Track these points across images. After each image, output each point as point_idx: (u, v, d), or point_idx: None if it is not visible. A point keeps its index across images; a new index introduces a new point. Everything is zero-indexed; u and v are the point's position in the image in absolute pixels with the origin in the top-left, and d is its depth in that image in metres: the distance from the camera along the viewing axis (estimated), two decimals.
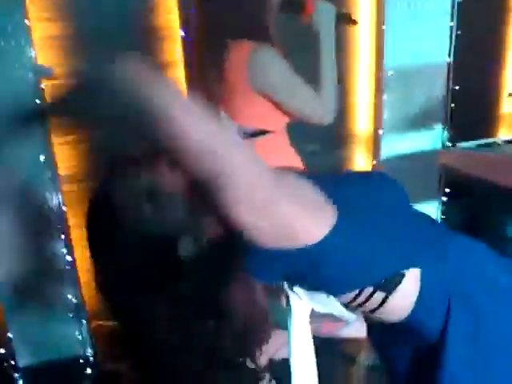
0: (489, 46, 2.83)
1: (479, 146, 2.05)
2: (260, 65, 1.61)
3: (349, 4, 2.59)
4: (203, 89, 1.72)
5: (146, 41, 2.32)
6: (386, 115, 2.73)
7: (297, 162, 1.81)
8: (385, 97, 2.69)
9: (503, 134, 2.94)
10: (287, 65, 1.63)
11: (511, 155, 1.84)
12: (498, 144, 2.03)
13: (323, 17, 1.67)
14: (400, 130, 2.78)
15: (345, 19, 1.76)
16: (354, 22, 1.80)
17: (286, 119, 1.74)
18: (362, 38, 2.65)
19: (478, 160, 2.00)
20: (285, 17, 1.72)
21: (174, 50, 2.34)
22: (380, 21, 2.58)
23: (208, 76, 1.69)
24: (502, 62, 2.58)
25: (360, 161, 2.90)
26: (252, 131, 1.70)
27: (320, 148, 2.73)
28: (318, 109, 1.66)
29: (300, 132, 2.57)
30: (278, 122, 1.74)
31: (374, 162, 2.87)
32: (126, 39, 2.18)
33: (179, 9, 2.29)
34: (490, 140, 2.09)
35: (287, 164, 1.69)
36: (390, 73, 2.65)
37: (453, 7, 2.63)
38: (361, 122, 2.82)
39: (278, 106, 1.68)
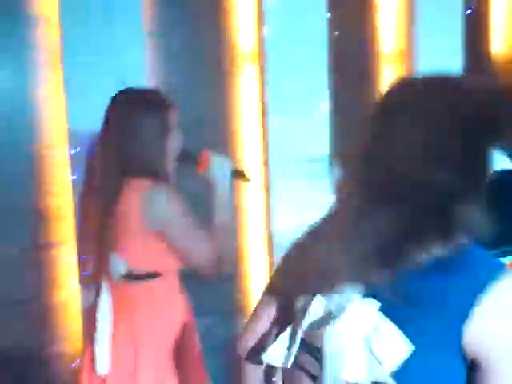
0: None
1: None
2: (154, 204, 1.61)
3: None
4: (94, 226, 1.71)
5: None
6: None
7: (183, 310, 1.76)
8: (276, 262, 2.82)
9: None
10: (182, 206, 1.63)
11: None
12: None
13: (218, 172, 1.71)
14: None
15: (240, 176, 1.82)
16: (248, 179, 1.87)
17: (179, 264, 1.70)
18: (251, 204, 2.87)
19: None
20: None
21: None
22: (268, 191, 2.86)
23: (101, 214, 1.68)
24: None
25: None
26: (142, 272, 1.66)
27: (218, 318, 2.80)
28: (212, 258, 1.64)
29: (195, 303, 2.72)
30: (169, 266, 1.70)
31: None
32: None
33: None
34: None
35: (173, 310, 1.70)
36: (279, 239, 2.83)
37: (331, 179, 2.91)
38: (255, 288, 2.90)
39: (169, 248, 1.64)
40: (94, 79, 2.27)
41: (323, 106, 2.88)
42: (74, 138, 2.25)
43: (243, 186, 2.75)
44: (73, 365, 2.29)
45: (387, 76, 3.22)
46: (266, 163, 2.81)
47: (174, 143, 1.71)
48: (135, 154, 1.65)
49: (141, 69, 2.41)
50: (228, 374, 2.33)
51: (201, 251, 1.65)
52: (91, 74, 2.26)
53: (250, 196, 2.85)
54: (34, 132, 2.23)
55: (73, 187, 2.26)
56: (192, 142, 2.48)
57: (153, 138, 1.66)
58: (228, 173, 1.73)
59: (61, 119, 2.27)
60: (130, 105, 1.70)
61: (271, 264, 2.84)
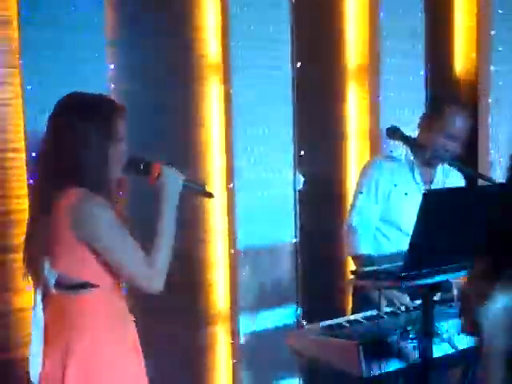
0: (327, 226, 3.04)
1: (325, 327, 2.09)
2: (80, 216, 1.57)
3: None
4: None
5: None
6: (240, 294, 2.81)
7: (124, 324, 1.73)
8: (239, 276, 2.81)
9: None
10: (111, 218, 1.59)
11: (348, 341, 1.87)
12: (343, 325, 2.07)
13: (168, 184, 1.69)
14: (255, 308, 2.82)
15: (200, 191, 1.81)
16: (210, 195, 1.84)
17: (116, 276, 1.66)
18: (216, 219, 2.90)
19: (319, 344, 2.03)
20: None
21: None
22: (231, 205, 2.87)
23: (34, 222, 1.67)
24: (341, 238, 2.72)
25: (220, 340, 2.87)
26: (75, 283, 1.62)
27: (180, 328, 2.77)
28: (146, 271, 1.61)
29: (154, 316, 2.69)
30: (104, 278, 1.65)
31: (232, 341, 2.83)
32: None
33: None
34: (335, 321, 2.13)
35: (111, 323, 1.65)
36: (241, 254, 2.82)
37: (294, 193, 2.94)
38: (219, 301, 2.88)
39: (101, 259, 1.61)
40: (54, 83, 2.24)
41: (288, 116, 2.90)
42: (32, 141, 2.22)
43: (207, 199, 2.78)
44: None
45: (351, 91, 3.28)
46: (231, 173, 2.81)
47: (118, 153, 1.66)
48: (71, 163, 1.61)
49: (102, 76, 2.40)
50: (190, 381, 2.32)
51: (133, 265, 1.61)
52: (51, 76, 2.23)
53: (214, 208, 2.86)
54: None
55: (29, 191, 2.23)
56: (153, 153, 2.50)
57: (91, 146, 1.60)
58: (178, 186, 1.70)
59: (18, 121, 2.25)
60: (69, 110, 1.65)
61: (233, 274, 2.82)
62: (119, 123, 1.66)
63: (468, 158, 3.58)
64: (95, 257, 1.61)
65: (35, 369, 1.66)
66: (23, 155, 2.24)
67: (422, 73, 3.34)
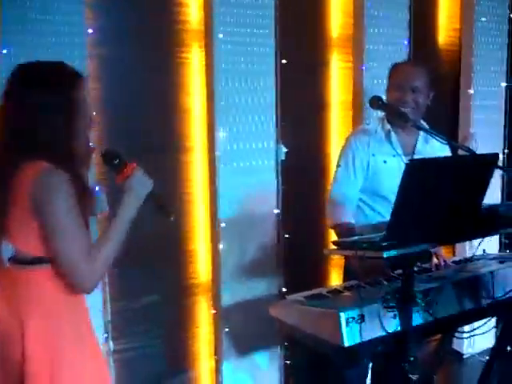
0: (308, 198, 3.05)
1: (307, 297, 2.09)
2: (38, 189, 1.51)
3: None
4: None
5: None
6: (222, 264, 2.81)
7: (77, 300, 1.66)
8: (220, 247, 2.80)
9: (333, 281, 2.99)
10: (67, 198, 1.53)
11: (329, 310, 1.86)
12: (324, 295, 2.07)
13: (135, 188, 1.64)
14: (237, 278, 2.82)
15: (162, 208, 1.72)
16: (169, 215, 1.73)
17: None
18: (197, 189, 2.85)
19: (301, 313, 2.02)
20: None
21: None
22: (212, 174, 2.84)
23: None
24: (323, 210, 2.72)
25: (202, 310, 2.88)
26: (30, 257, 1.57)
27: (160, 298, 2.78)
28: (82, 267, 1.54)
29: (137, 286, 2.68)
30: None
31: (214, 311, 2.85)
32: None
33: None
34: (316, 291, 2.12)
35: (64, 297, 1.59)
36: (223, 224, 2.80)
37: (277, 164, 2.93)
38: (199, 272, 2.88)
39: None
40: (31, 47, 2.18)
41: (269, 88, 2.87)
42: None
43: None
44: None
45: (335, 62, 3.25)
46: (212, 143, 2.78)
47: (82, 126, 1.60)
48: (30, 135, 1.54)
49: (81, 40, 2.34)
50: (172, 351, 2.32)
51: (69, 256, 1.54)
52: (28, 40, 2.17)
53: (196, 179, 2.83)
54: None
55: None
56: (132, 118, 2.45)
57: (51, 117, 1.54)
58: (143, 194, 1.65)
59: None
60: (26, 80, 1.57)
61: (215, 244, 2.81)
62: (81, 95, 1.60)
63: (449, 128, 3.62)
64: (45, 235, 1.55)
65: None
66: None
67: (406, 43, 3.31)
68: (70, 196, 1.53)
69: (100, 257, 1.56)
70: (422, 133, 2.46)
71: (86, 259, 1.54)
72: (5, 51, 2.16)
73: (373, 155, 2.44)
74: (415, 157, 2.41)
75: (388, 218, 2.34)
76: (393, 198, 2.33)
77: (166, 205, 1.74)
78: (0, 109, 1.59)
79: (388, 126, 2.45)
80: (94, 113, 2.32)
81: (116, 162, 1.67)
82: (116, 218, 1.62)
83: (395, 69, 2.48)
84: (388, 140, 2.45)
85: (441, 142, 2.33)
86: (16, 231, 1.57)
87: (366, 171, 2.44)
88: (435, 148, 2.47)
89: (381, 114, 2.52)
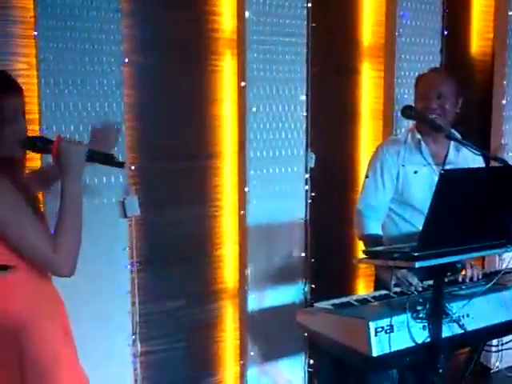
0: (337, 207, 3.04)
1: (335, 305, 2.09)
2: None
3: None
4: None
5: None
6: (250, 271, 2.82)
7: (51, 304, 1.69)
8: (248, 253, 2.82)
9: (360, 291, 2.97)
10: (10, 200, 1.54)
11: (358, 319, 1.86)
12: (352, 304, 2.07)
13: (69, 157, 1.60)
14: (263, 284, 2.83)
15: (109, 161, 1.71)
16: (121, 165, 1.75)
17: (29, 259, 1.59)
18: (227, 195, 2.88)
19: (329, 321, 2.02)
20: None
21: None
22: (242, 180, 2.85)
23: None
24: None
25: (228, 315, 2.89)
26: None
27: (188, 302, 2.80)
28: (50, 256, 1.55)
29: (165, 289, 2.71)
30: (19, 259, 1.59)
31: (240, 317, 2.86)
32: None
33: None
34: (344, 300, 2.13)
35: (35, 302, 1.60)
36: (251, 230, 2.81)
37: (306, 171, 2.93)
38: (227, 277, 2.90)
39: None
40: (68, 54, 2.22)
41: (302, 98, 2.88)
42: (46, 113, 2.21)
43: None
44: None
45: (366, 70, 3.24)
46: (243, 149, 2.79)
47: (14, 133, 1.58)
48: None
49: (116, 48, 2.38)
50: (197, 355, 2.34)
51: (34, 249, 1.55)
52: (66, 47, 2.22)
53: (226, 184, 2.86)
54: None
55: None
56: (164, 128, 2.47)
57: None
58: (80, 159, 1.62)
59: (33, 93, 2.24)
60: None
61: (243, 249, 2.83)
62: (12, 103, 1.57)
63: (481, 139, 3.58)
64: (3, 239, 1.55)
65: None
66: (37, 127, 2.24)
67: (439, 52, 3.29)
68: (13, 199, 1.54)
69: (63, 240, 1.56)
70: (452, 142, 2.43)
71: (52, 249, 1.55)
72: (43, 57, 2.21)
73: (403, 166, 2.42)
74: (446, 167, 2.39)
75: (419, 227, 2.35)
76: (423, 207, 2.33)
77: (112, 157, 1.71)
78: None
79: (418, 136, 2.43)
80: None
81: (39, 144, 1.65)
82: (64, 195, 1.60)
83: (421, 78, 2.47)
84: (418, 150, 2.43)
85: (473, 153, 2.31)
86: None
87: (395, 182, 2.43)
88: (467, 158, 2.45)
89: (411, 123, 2.51)
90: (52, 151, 1.62)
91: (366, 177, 2.48)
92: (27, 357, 1.59)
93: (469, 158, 2.45)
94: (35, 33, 2.20)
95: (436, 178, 2.35)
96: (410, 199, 2.40)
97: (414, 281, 2.12)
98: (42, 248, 1.55)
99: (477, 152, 2.27)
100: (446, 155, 2.45)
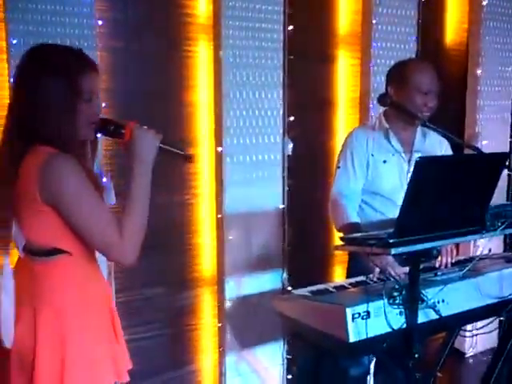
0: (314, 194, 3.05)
1: (312, 292, 2.08)
2: (46, 176, 1.47)
3: None
4: None
5: None
6: (227, 258, 2.81)
7: (96, 290, 1.66)
8: (225, 241, 2.81)
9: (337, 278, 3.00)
10: (79, 180, 1.49)
11: (335, 305, 1.86)
12: (330, 290, 2.07)
13: (141, 144, 1.56)
14: (241, 272, 2.83)
15: (179, 154, 1.67)
16: (190, 159, 1.71)
17: (86, 243, 1.56)
18: (203, 183, 2.85)
19: (306, 308, 2.02)
20: None
21: None
22: (218, 168, 2.82)
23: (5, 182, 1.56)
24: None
25: (206, 303, 2.89)
26: (42, 249, 1.55)
27: (165, 291, 2.79)
28: (115, 241, 1.50)
29: (142, 276, 2.69)
30: (73, 244, 1.56)
31: (218, 304, 2.86)
32: None
33: None
34: (322, 286, 2.12)
35: (80, 290, 1.59)
36: (228, 218, 2.80)
37: (283, 158, 2.93)
38: (204, 265, 2.89)
39: (68, 225, 1.51)
40: (40, 37, 2.17)
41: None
42: None
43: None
44: None
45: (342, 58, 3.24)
46: (219, 136, 2.78)
47: (86, 113, 1.56)
48: (36, 120, 1.51)
49: (89, 32, 2.33)
50: (175, 343, 2.34)
51: (100, 233, 1.50)
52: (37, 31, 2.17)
53: (202, 172, 2.84)
54: None
55: None
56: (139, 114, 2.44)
57: (54, 103, 1.50)
58: (152, 148, 1.58)
59: (3, 78, 2.19)
60: (34, 63, 1.54)
61: (220, 237, 2.82)
62: (87, 82, 1.54)
63: (456, 127, 3.62)
64: (62, 221, 1.51)
65: (7, 333, 1.60)
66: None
67: (414, 40, 3.30)
68: (84, 178, 1.50)
69: (130, 226, 1.52)
70: (419, 128, 2.45)
71: (117, 232, 1.51)
72: (15, 41, 2.15)
73: (372, 155, 2.42)
74: (414, 154, 2.41)
75: (389, 216, 2.37)
76: (393, 196, 2.36)
77: (183, 150, 1.68)
78: (12, 86, 1.58)
79: (386, 125, 2.43)
80: (103, 104, 2.34)
81: (112, 128, 1.61)
82: (132, 181, 1.55)
83: (417, 69, 2.37)
84: (387, 139, 2.43)
85: (452, 140, 2.33)
86: (27, 222, 1.55)
87: (365, 171, 2.43)
88: (433, 144, 2.47)
89: (381, 111, 2.50)
90: (124, 137, 1.58)
91: (338, 167, 2.48)
92: (69, 344, 1.56)
93: (435, 145, 2.48)
94: (4, 15, 2.13)
95: (405, 166, 2.41)
96: (379, 188, 2.41)
97: (399, 270, 2.11)
98: (107, 231, 1.50)
99: (457, 140, 2.29)
100: (413, 142, 2.46)
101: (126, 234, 1.51)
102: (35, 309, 1.57)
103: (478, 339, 2.97)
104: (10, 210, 1.57)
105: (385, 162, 2.41)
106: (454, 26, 3.73)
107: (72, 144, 1.53)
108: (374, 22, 3.18)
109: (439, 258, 2.26)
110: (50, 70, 1.51)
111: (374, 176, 2.42)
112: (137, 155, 1.56)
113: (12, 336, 1.59)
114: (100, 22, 2.41)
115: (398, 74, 2.41)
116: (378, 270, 2.14)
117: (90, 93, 1.56)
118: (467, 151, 2.84)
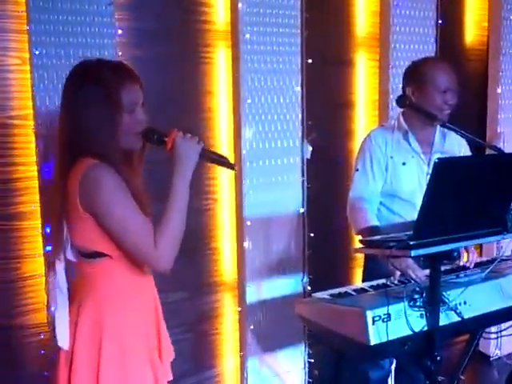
0: (334, 197, 3.04)
1: (333, 295, 2.09)
2: (85, 185, 1.54)
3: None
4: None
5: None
6: (248, 262, 2.82)
7: (137, 294, 1.71)
8: (245, 245, 2.82)
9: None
10: (117, 189, 1.54)
11: (355, 308, 1.87)
12: (350, 293, 2.07)
13: (183, 152, 1.60)
14: (262, 276, 2.84)
15: (221, 162, 1.70)
16: (232, 167, 1.73)
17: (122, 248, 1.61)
18: (223, 188, 2.88)
19: (327, 311, 2.03)
20: None
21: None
22: (238, 172, 2.83)
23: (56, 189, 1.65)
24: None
25: (226, 307, 2.90)
26: (86, 251, 1.63)
27: (186, 295, 2.81)
28: (150, 249, 1.54)
29: (164, 282, 2.71)
30: (113, 248, 1.61)
31: (239, 309, 2.87)
32: None
33: None
34: (342, 290, 2.13)
35: (119, 293, 1.64)
36: (248, 223, 2.81)
37: (302, 162, 2.93)
38: (225, 269, 2.90)
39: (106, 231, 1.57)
40: (62, 48, 2.22)
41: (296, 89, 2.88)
42: (40, 108, 2.21)
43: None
44: (42, 336, 2.28)
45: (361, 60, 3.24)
46: (238, 142, 2.79)
47: (129, 123, 1.61)
48: (78, 132, 1.58)
49: (110, 41, 2.37)
50: (197, 347, 2.36)
51: (135, 241, 1.55)
52: (59, 42, 2.21)
53: (222, 177, 2.85)
54: None
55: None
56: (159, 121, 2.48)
57: (96, 116, 1.56)
58: (194, 157, 1.62)
59: (26, 88, 2.23)
60: (77, 77, 1.62)
61: (240, 241, 2.83)
62: (127, 93, 1.60)
63: (477, 128, 3.58)
64: (101, 228, 1.57)
65: (61, 332, 1.65)
66: (31, 122, 2.23)
67: (433, 41, 3.28)
68: (119, 186, 1.55)
69: (165, 239, 1.55)
70: (438, 129, 2.43)
71: (152, 240, 1.54)
72: (37, 52, 2.20)
73: (391, 157, 2.40)
74: (434, 155, 2.39)
75: (407, 218, 2.35)
76: (412, 198, 2.34)
77: (224, 158, 1.70)
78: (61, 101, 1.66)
79: (405, 126, 2.41)
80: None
81: (155, 137, 1.66)
82: (172, 188, 1.59)
83: (433, 68, 2.34)
84: (406, 140, 2.42)
85: (469, 140, 2.31)
86: (73, 227, 1.63)
87: (384, 174, 2.41)
88: (453, 144, 2.45)
89: (399, 111, 2.49)
90: (166, 145, 1.63)
91: (356, 170, 2.47)
92: (105, 346, 1.62)
93: (455, 146, 2.45)
94: (27, 27, 2.18)
95: (424, 168, 2.39)
96: (398, 191, 2.40)
97: (420, 273, 2.09)
98: (143, 240, 1.54)
99: (478, 140, 2.27)
100: (433, 143, 2.44)
101: (161, 243, 1.55)
102: (80, 305, 1.65)
103: (503, 342, 2.93)
104: (61, 217, 1.64)
105: (404, 164, 2.39)
106: (473, 25, 3.70)
107: (112, 155, 1.58)
108: (392, 23, 3.17)
109: (462, 259, 2.24)
110: (88, 84, 1.58)
111: (393, 178, 2.40)
112: (177, 163, 1.61)
113: (66, 336, 1.65)
114: (120, 32, 2.45)
115: (415, 74, 2.39)
116: (398, 273, 2.13)
117: (131, 104, 1.62)
118: (488, 152, 2.80)
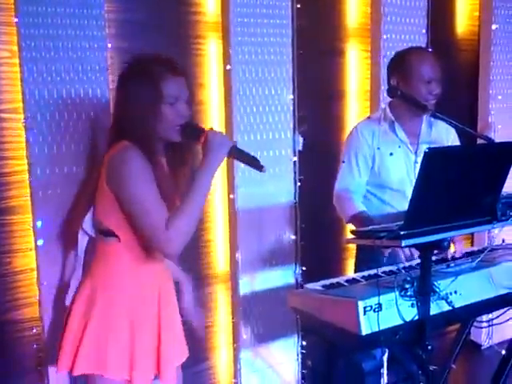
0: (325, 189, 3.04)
1: (325, 286, 2.09)
2: (112, 164, 1.66)
3: None
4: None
5: None
6: (240, 254, 2.82)
7: (146, 276, 1.79)
8: (238, 237, 2.82)
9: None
10: (142, 173, 1.63)
11: (347, 299, 1.87)
12: (342, 284, 2.07)
13: (213, 147, 1.67)
14: (254, 268, 2.84)
15: (251, 162, 1.74)
16: (261, 168, 1.74)
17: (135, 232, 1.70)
18: (215, 180, 2.88)
19: (319, 302, 2.03)
20: None
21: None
22: (230, 164, 2.81)
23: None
24: None
25: (219, 299, 2.90)
26: (103, 229, 1.74)
27: (178, 288, 2.79)
28: (162, 233, 1.61)
29: None
30: (126, 231, 1.71)
31: (232, 301, 2.87)
32: None
33: None
34: (334, 280, 2.13)
35: (120, 277, 1.75)
36: (240, 214, 2.81)
37: (294, 154, 2.93)
38: (217, 262, 2.90)
39: (123, 211, 1.67)
40: (51, 40, 2.20)
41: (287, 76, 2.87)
42: (30, 101, 2.19)
43: None
44: (34, 330, 2.28)
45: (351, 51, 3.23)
46: (229, 133, 2.78)
47: (169, 114, 1.70)
48: (123, 119, 1.72)
49: (100, 33, 2.35)
50: (190, 340, 2.36)
51: (149, 224, 1.62)
52: (48, 33, 2.19)
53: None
54: None
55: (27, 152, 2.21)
56: None
57: (139, 106, 1.68)
58: (222, 153, 1.69)
59: (15, 81, 2.21)
60: (127, 70, 1.77)
61: (233, 234, 2.83)
62: (169, 86, 1.69)
63: (469, 118, 3.59)
64: (120, 208, 1.67)
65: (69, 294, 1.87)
66: (21, 116, 2.21)
67: (424, 31, 3.28)
68: (144, 170, 1.63)
69: (177, 224, 1.62)
70: (425, 118, 2.43)
71: (165, 225, 1.61)
72: (25, 45, 2.18)
73: (378, 149, 2.41)
74: (421, 145, 2.40)
75: (398, 208, 2.36)
76: (402, 188, 2.35)
77: (255, 159, 1.74)
78: None
79: (391, 116, 2.41)
80: None
81: (189, 131, 1.75)
82: (195, 181, 1.67)
83: (416, 59, 2.35)
84: (392, 130, 2.42)
85: (459, 130, 2.31)
86: (98, 201, 1.74)
87: (371, 165, 2.42)
88: (440, 133, 2.46)
89: (385, 102, 2.49)
90: (199, 140, 1.72)
91: (343, 161, 2.48)
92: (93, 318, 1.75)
93: (443, 134, 2.46)
94: (16, 20, 2.16)
95: (412, 157, 2.40)
96: (387, 181, 2.41)
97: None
98: (156, 223, 1.61)
99: (468, 130, 2.28)
100: (419, 133, 2.45)
101: (173, 226, 1.62)
102: (85, 278, 1.81)
103: (494, 330, 2.94)
104: (91, 197, 1.81)
105: (391, 154, 2.40)
106: (465, 14, 3.70)
107: (146, 141, 1.68)
108: (383, 13, 3.16)
109: (450, 250, 2.25)
110: (136, 76, 1.72)
111: (382, 169, 2.41)
112: (206, 155, 1.68)
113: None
114: (109, 23, 2.43)
115: (399, 64, 2.39)
116: (388, 250, 2.14)
117: (173, 97, 1.71)
118: (479, 141, 2.81)
